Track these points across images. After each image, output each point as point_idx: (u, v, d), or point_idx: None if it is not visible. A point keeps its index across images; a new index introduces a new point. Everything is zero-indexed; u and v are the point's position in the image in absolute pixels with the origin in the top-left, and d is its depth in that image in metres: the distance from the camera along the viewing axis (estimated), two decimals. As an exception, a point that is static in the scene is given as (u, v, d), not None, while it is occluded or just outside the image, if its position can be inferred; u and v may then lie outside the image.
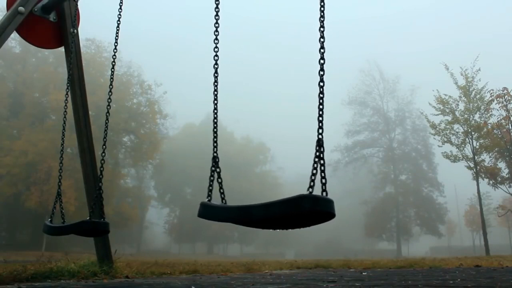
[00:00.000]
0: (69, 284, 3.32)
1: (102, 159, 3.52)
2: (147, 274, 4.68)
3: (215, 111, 2.43)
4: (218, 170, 2.21)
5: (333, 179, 50.30)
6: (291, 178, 67.99)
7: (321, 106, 1.87)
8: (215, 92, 2.45)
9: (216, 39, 2.50)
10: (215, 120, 2.41)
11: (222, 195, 2.16)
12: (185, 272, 5.27)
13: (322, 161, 1.77)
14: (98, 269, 4.13)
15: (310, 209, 1.65)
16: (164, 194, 57.60)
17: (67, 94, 4.09)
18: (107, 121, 3.64)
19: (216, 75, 2.46)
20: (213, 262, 9.91)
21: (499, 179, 21.58)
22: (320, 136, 1.81)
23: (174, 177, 53.92)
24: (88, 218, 3.56)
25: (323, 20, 1.98)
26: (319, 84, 1.90)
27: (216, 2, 2.54)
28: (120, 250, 8.54)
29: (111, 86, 3.68)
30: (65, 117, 4.04)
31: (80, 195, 25.83)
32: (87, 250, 17.86)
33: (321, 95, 1.89)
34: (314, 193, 1.70)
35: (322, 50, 1.95)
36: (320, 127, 1.83)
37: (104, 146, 3.59)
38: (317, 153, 1.77)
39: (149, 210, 53.62)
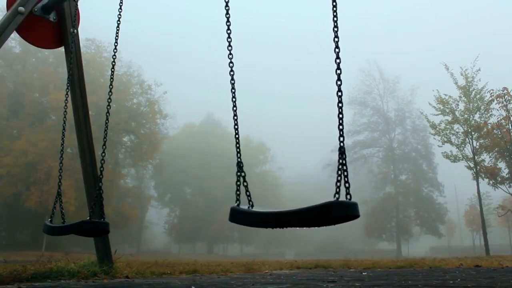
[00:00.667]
0: (69, 284, 3.32)
1: (102, 159, 3.52)
2: (147, 274, 4.68)
3: (235, 117, 2.45)
4: (243, 174, 2.28)
5: (333, 179, 50.14)
6: (291, 178, 68.04)
7: (340, 115, 1.95)
8: (233, 99, 2.46)
9: (230, 45, 2.49)
10: (236, 127, 2.45)
11: (249, 198, 2.23)
12: (185, 272, 5.27)
13: (345, 167, 1.87)
14: (98, 269, 4.13)
15: (339, 215, 1.77)
16: (164, 194, 57.60)
17: (67, 94, 4.09)
18: (107, 121, 3.64)
19: (232, 81, 2.47)
20: (213, 262, 9.91)
21: (499, 179, 21.58)
22: (341, 144, 1.90)
23: (174, 177, 53.92)
24: (88, 218, 3.56)
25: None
26: (337, 93, 1.98)
27: (226, 8, 2.54)
28: (120, 250, 8.54)
29: (111, 86, 3.68)
30: (65, 117, 4.04)
31: (80, 195, 25.83)
32: (87, 250, 17.85)
33: (340, 105, 1.97)
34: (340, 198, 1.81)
35: (338, 61, 2.00)
36: (341, 135, 1.92)
37: (104, 146, 3.59)
38: (340, 160, 1.88)
39: (149, 210, 53.63)
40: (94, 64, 34.67)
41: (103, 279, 3.91)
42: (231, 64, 2.47)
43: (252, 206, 2.16)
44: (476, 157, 21.32)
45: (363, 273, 5.02)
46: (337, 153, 1.91)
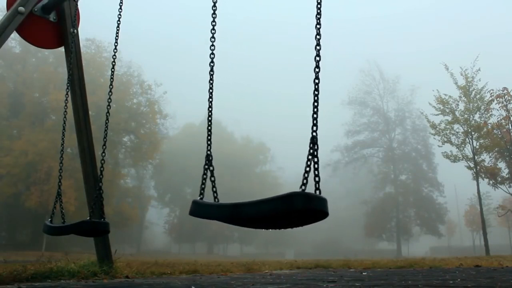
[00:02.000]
0: (69, 284, 3.32)
1: (102, 159, 3.52)
2: (147, 274, 4.68)
3: (210, 109, 2.43)
4: (211, 168, 2.20)
5: (333, 179, 50.31)
6: (291, 178, 67.85)
7: (316, 104, 1.86)
8: (210, 91, 2.44)
9: (213, 37, 2.48)
10: (210, 118, 2.40)
11: (215, 194, 2.15)
12: (185, 272, 5.27)
13: (316, 159, 1.75)
14: (98, 269, 4.13)
15: (302, 207, 1.62)
16: (164, 194, 57.61)
17: (67, 94, 4.09)
18: (107, 121, 3.64)
19: (211, 73, 2.45)
20: (213, 262, 9.91)
21: (499, 179, 21.58)
22: (314, 134, 1.79)
23: (174, 177, 53.92)
24: (88, 218, 3.57)
25: (320, 18, 1.99)
26: (314, 81, 1.89)
27: (214, 1, 2.54)
28: (120, 250, 8.54)
29: (111, 86, 3.69)
30: (65, 117, 4.04)
31: (80, 195, 25.81)
32: (87, 250, 17.85)
33: (316, 93, 1.88)
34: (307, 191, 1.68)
35: (318, 47, 1.94)
36: (315, 125, 1.82)
37: (104, 146, 3.59)
38: (311, 151, 1.75)
39: (149, 210, 53.64)
40: (94, 64, 34.66)
41: (103, 279, 3.91)
42: (212, 56, 2.44)
43: (218, 201, 2.07)
44: (476, 157, 21.32)
45: (363, 273, 5.03)
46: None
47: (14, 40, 30.12)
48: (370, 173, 49.96)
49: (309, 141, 1.78)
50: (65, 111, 4.00)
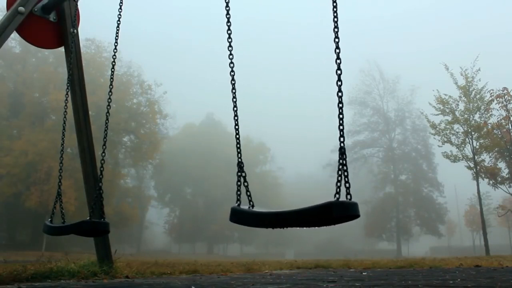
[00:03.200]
0: (69, 284, 3.32)
1: (102, 159, 3.52)
2: (147, 274, 4.68)
3: (236, 117, 2.46)
4: (243, 174, 2.28)
5: (333, 179, 50.20)
6: (291, 178, 68.02)
7: (341, 116, 1.96)
8: (234, 99, 2.46)
9: (230, 46, 2.50)
10: (237, 127, 2.46)
11: (249, 198, 2.22)
12: (185, 272, 5.27)
13: (345, 167, 1.88)
14: (98, 269, 4.13)
15: (340, 215, 1.77)
16: (164, 194, 57.60)
17: (67, 94, 4.09)
18: (107, 121, 3.64)
19: (233, 82, 2.47)
20: (213, 262, 9.91)
21: (499, 179, 21.58)
22: (342, 145, 1.91)
23: (174, 177, 53.91)
24: (88, 218, 3.57)
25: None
26: (337, 94, 1.99)
27: (227, 8, 2.54)
28: (120, 250, 8.54)
29: (111, 86, 3.69)
30: (65, 117, 4.04)
31: (80, 195, 25.82)
32: (87, 250, 17.86)
33: (340, 105, 1.98)
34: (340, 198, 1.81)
35: (338, 61, 2.01)
36: (342, 135, 1.92)
37: (104, 146, 3.59)
38: (341, 161, 1.88)
39: (149, 210, 53.63)
40: (94, 64, 34.66)
41: (103, 279, 3.91)
42: (231, 65, 2.47)
43: (253, 206, 2.16)
44: (476, 157, 21.32)
45: (363, 273, 5.03)
46: (337, 153, 1.92)
47: (14, 40, 30.13)
48: (370, 173, 49.96)
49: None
50: (65, 111, 4.00)
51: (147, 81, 39.75)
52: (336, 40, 2.00)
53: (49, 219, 3.64)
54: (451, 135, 22.02)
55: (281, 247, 56.04)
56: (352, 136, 50.19)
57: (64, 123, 4.05)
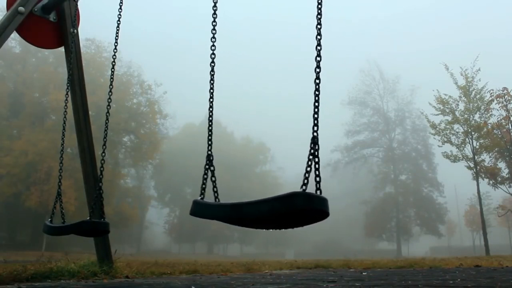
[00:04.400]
0: (69, 284, 3.32)
1: (102, 159, 3.52)
2: (147, 274, 4.68)
3: (211, 109, 2.44)
4: (212, 168, 2.20)
5: (333, 179, 50.32)
6: (291, 178, 67.86)
7: (316, 104, 1.85)
8: (211, 91, 2.44)
9: (214, 37, 2.48)
10: (210, 118, 2.40)
11: (216, 194, 2.14)
12: (185, 272, 5.27)
13: (316, 159, 1.74)
14: (98, 269, 4.13)
15: (302, 207, 1.62)
16: (164, 194, 57.61)
17: (67, 94, 4.09)
18: (107, 121, 3.64)
19: (212, 73, 2.45)
20: (213, 262, 9.91)
21: (499, 179, 21.58)
22: (315, 134, 1.79)
23: (174, 177, 53.93)
24: (88, 218, 3.57)
25: (320, 18, 1.99)
26: (315, 81, 1.89)
27: (214, 1, 2.54)
28: (120, 250, 8.54)
29: (111, 86, 3.69)
30: (65, 117, 4.04)
31: (80, 195, 25.81)
32: (87, 250, 17.86)
33: (316, 93, 1.88)
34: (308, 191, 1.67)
35: (318, 48, 1.94)
36: (316, 125, 1.81)
37: (104, 146, 3.59)
38: (312, 151, 1.75)
39: (149, 210, 53.64)
40: (94, 64, 34.66)
41: (103, 279, 3.91)
42: (213, 56, 2.43)
43: (218, 201, 2.07)
44: (476, 157, 21.32)
45: (363, 273, 5.03)
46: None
47: (14, 40, 30.13)
48: (370, 173, 49.97)
49: (309, 141, 1.78)
50: (65, 111, 4.00)
51: (147, 81, 39.79)
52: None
53: (49, 219, 3.64)
54: (451, 135, 22.03)
55: (281, 247, 56.04)
56: (352, 136, 50.27)
57: (64, 123, 4.05)
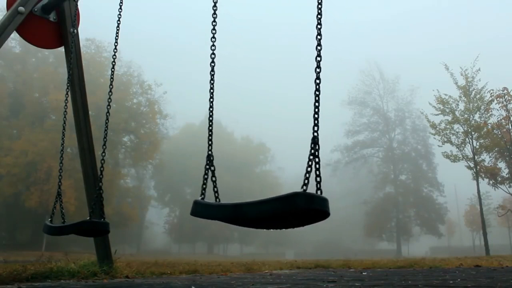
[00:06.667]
0: (69, 284, 3.32)
1: (102, 159, 3.52)
2: (147, 274, 4.68)
3: (211, 109, 2.44)
4: (212, 168, 2.20)
5: (333, 179, 50.31)
6: (291, 178, 67.92)
7: (317, 104, 1.86)
8: (211, 91, 2.45)
9: (214, 37, 2.48)
10: (211, 118, 2.40)
11: (216, 194, 2.14)
12: (185, 272, 5.27)
13: (317, 159, 1.75)
14: (98, 269, 4.13)
15: (304, 207, 1.63)
16: (164, 194, 57.61)
17: (67, 94, 4.09)
18: (107, 121, 3.64)
19: (212, 73, 2.45)
20: (213, 262, 9.91)
21: (499, 179, 21.59)
22: (315, 134, 1.79)
23: (174, 177, 53.93)
24: (88, 218, 3.57)
25: (320, 18, 1.99)
26: (315, 81, 1.89)
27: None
28: (120, 250, 8.54)
29: (111, 86, 3.69)
30: (65, 117, 4.04)
31: (80, 195, 25.83)
32: (87, 250, 17.85)
33: (317, 93, 1.88)
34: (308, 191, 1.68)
35: (319, 47, 1.95)
36: (316, 125, 1.82)
37: (104, 146, 3.59)
38: (312, 151, 1.75)
39: (149, 210, 53.64)
40: (94, 64, 34.67)
41: (103, 279, 3.91)
42: (213, 56, 2.43)
43: (219, 201, 2.07)
44: (476, 157, 21.32)
45: (363, 273, 5.03)
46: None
47: (14, 40, 30.13)
48: (370, 173, 49.97)
49: (310, 141, 1.78)
50: (65, 111, 4.00)
51: (147, 81, 39.81)
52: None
53: (49, 219, 3.64)
54: (451, 135, 22.04)
55: (281, 247, 56.04)
56: (352, 136, 50.24)
57: (64, 123, 4.05)
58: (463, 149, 21.72)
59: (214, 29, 2.48)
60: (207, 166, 2.19)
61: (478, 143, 21.58)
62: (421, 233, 48.64)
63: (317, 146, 1.77)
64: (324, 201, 1.67)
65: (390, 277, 4.03)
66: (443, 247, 55.75)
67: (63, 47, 4.56)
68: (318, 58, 1.93)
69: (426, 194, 47.60)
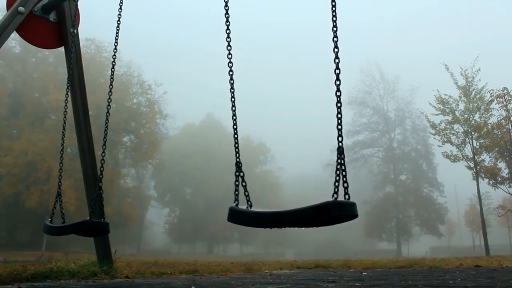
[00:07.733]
0: (69, 284, 3.32)
1: (102, 159, 3.52)
2: (147, 274, 4.68)
3: (234, 117, 2.46)
4: (242, 174, 2.30)
5: (333, 179, 50.27)
6: (291, 178, 67.98)
7: (339, 115, 1.94)
8: (233, 99, 2.48)
9: (229, 45, 2.51)
10: (235, 127, 2.46)
11: (247, 198, 2.22)
12: (185, 272, 5.27)
13: (343, 167, 1.87)
14: (98, 269, 4.13)
15: (337, 215, 1.77)
16: (164, 194, 57.60)
17: (67, 94, 4.09)
18: (107, 121, 3.64)
19: (231, 81, 2.48)
20: (213, 262, 9.91)
21: (499, 179, 21.59)
22: (340, 144, 1.89)
23: (174, 177, 53.92)
24: (88, 218, 3.56)
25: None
26: (336, 93, 1.96)
27: (226, 8, 2.55)
28: (120, 250, 8.55)
29: (111, 86, 3.68)
30: (65, 117, 4.04)
31: (80, 195, 25.83)
32: (87, 250, 17.85)
33: (338, 104, 1.95)
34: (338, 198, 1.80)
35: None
36: (340, 135, 1.91)
37: (104, 146, 3.59)
38: (339, 160, 1.87)
39: (149, 210, 53.63)
40: (94, 64, 34.67)
41: (103, 279, 3.91)
42: (230, 65, 2.48)
43: (251, 206, 2.15)
44: (476, 157, 21.32)
45: (363, 273, 5.02)
46: (336, 153, 1.91)
47: (14, 40, 30.14)
48: (370, 173, 49.93)
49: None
50: (65, 111, 4.00)
51: (147, 81, 39.82)
52: (335, 39, 2.00)
53: (49, 219, 3.64)
54: (451, 135, 22.04)
55: (281, 247, 56.03)
56: (352, 136, 50.19)
57: (64, 123, 4.05)
58: (463, 149, 21.74)
59: (228, 36, 2.51)
60: (237, 173, 2.30)
61: (478, 143, 21.59)
62: (421, 233, 48.64)
63: (342, 155, 1.88)
64: (353, 206, 1.81)
65: (390, 277, 4.03)
66: (443, 247, 55.74)
67: (63, 47, 4.56)
68: (337, 71, 1.99)
69: (426, 194, 47.60)
